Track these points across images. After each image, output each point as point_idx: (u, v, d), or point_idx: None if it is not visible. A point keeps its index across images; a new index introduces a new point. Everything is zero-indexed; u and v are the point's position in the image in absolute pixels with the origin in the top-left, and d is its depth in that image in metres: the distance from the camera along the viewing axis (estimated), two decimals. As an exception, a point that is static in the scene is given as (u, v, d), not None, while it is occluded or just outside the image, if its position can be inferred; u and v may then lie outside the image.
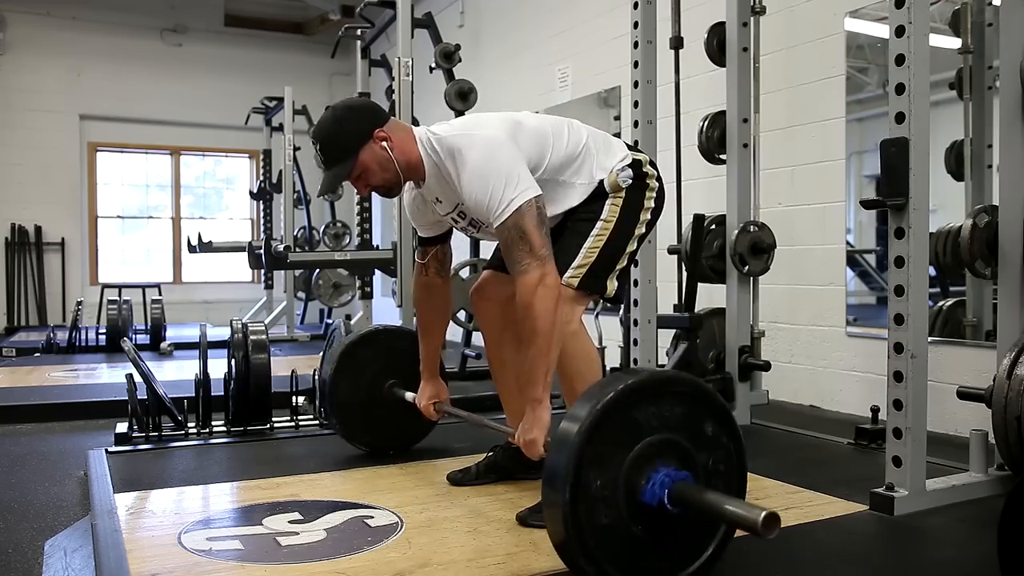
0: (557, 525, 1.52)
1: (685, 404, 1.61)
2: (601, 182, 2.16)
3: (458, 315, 5.10)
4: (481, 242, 5.28)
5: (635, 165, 2.19)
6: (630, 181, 2.17)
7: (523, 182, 1.99)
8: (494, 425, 2.30)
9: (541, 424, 1.97)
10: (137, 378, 3.08)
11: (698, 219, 3.44)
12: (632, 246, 2.18)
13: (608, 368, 4.19)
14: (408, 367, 2.65)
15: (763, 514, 1.38)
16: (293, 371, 3.49)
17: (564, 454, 1.51)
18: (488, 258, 2.61)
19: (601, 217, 2.14)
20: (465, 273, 5.09)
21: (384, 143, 2.09)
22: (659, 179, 2.25)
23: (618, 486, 1.54)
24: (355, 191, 2.28)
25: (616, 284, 2.16)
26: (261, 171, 8.80)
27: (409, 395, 2.64)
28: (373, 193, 2.22)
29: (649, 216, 2.21)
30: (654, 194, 2.23)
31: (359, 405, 2.79)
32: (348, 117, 2.13)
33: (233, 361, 3.22)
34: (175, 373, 5.03)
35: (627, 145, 2.31)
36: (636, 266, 3.14)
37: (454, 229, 2.34)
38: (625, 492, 1.54)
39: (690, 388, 1.63)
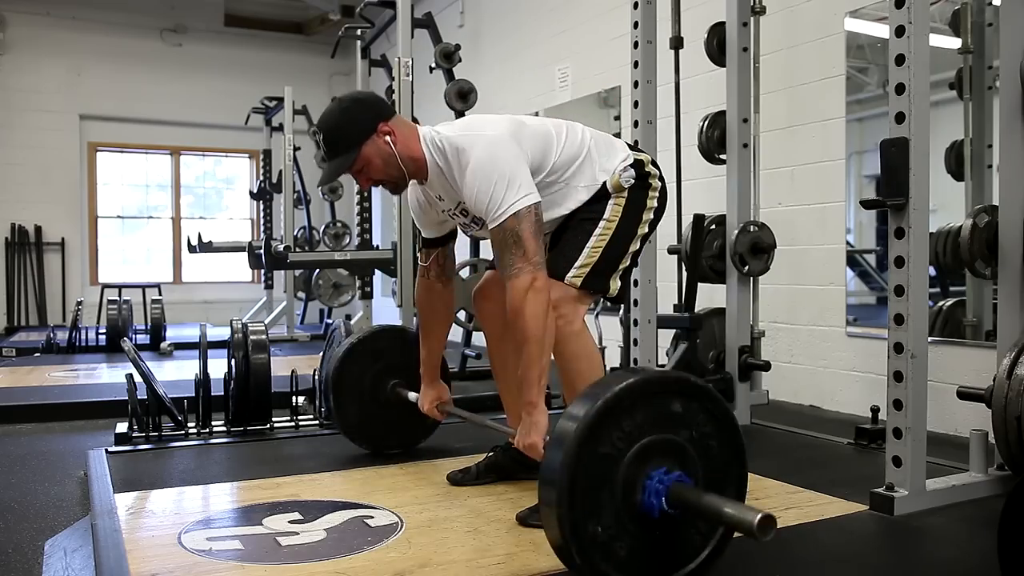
0: (553, 527, 1.52)
1: (684, 404, 1.60)
2: (604, 184, 2.16)
3: (458, 315, 5.10)
4: (481, 242, 5.28)
5: (637, 165, 2.19)
6: (633, 181, 2.17)
7: (524, 187, 1.99)
8: (496, 426, 2.30)
9: (538, 428, 1.97)
10: (137, 378, 3.08)
11: (698, 219, 3.44)
12: (635, 246, 2.18)
13: (608, 368, 4.19)
14: (412, 366, 2.65)
15: (759, 516, 1.38)
16: (293, 371, 3.49)
17: (560, 455, 1.51)
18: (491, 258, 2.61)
19: (604, 217, 2.14)
20: (465, 273, 5.08)
21: (388, 137, 2.09)
22: (661, 179, 2.26)
23: (615, 487, 1.53)
24: (355, 188, 2.28)
25: (619, 284, 2.16)
26: (261, 171, 8.80)
27: (412, 395, 2.64)
28: (374, 190, 2.22)
29: (652, 216, 2.22)
30: (656, 194, 2.23)
31: (363, 405, 2.79)
32: (353, 109, 2.12)
33: (233, 361, 3.22)
34: (175, 373, 5.03)
35: (629, 145, 2.31)
36: (636, 266, 3.14)
37: (458, 232, 2.34)
38: (622, 493, 1.54)
39: (690, 388, 1.62)
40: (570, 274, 2.09)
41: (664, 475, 1.55)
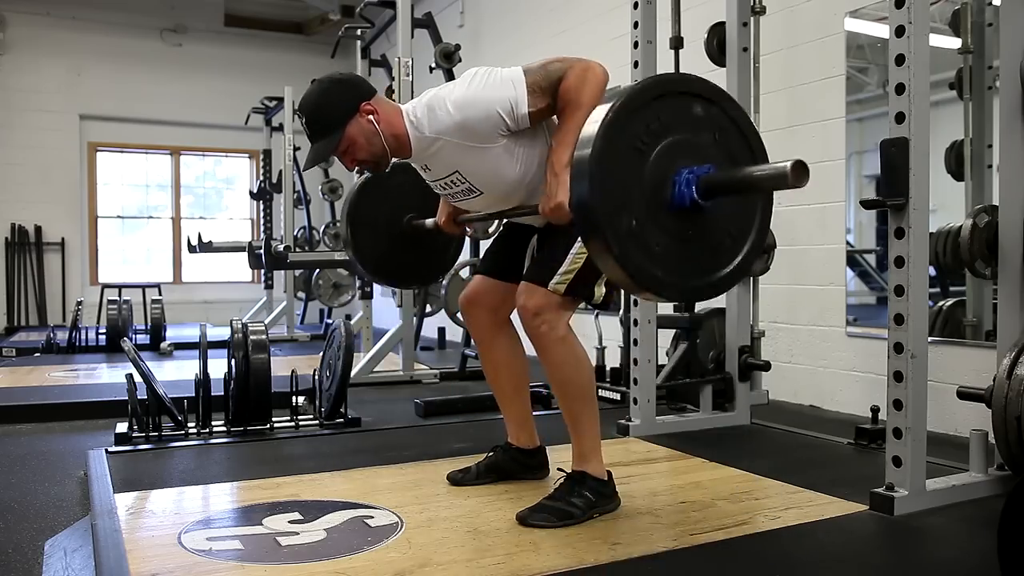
0: (589, 224, 1.54)
1: (705, 107, 1.62)
2: None
3: (458, 315, 5.10)
4: (481, 242, 5.28)
5: None
6: None
7: (517, 83, 2.00)
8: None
9: (566, 187, 1.90)
10: (137, 378, 3.08)
11: (698, 219, 3.43)
12: None
13: (608, 368, 4.20)
14: (427, 206, 2.59)
15: (789, 165, 1.41)
16: (293, 371, 3.49)
17: (588, 149, 1.52)
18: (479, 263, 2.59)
19: None
20: (465, 273, 5.09)
21: (371, 116, 2.08)
22: None
23: (645, 172, 1.56)
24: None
25: (604, 290, 2.13)
26: (261, 171, 8.80)
27: (429, 222, 2.57)
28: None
29: None
30: None
31: (380, 238, 2.69)
32: (334, 90, 2.12)
33: (233, 361, 3.22)
34: (175, 373, 5.03)
35: None
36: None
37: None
38: (652, 187, 1.56)
39: (678, 84, 1.66)
40: (554, 280, 2.07)
41: (691, 172, 1.57)
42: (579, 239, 2.10)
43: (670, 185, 1.56)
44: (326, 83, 2.14)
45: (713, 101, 1.64)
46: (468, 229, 2.54)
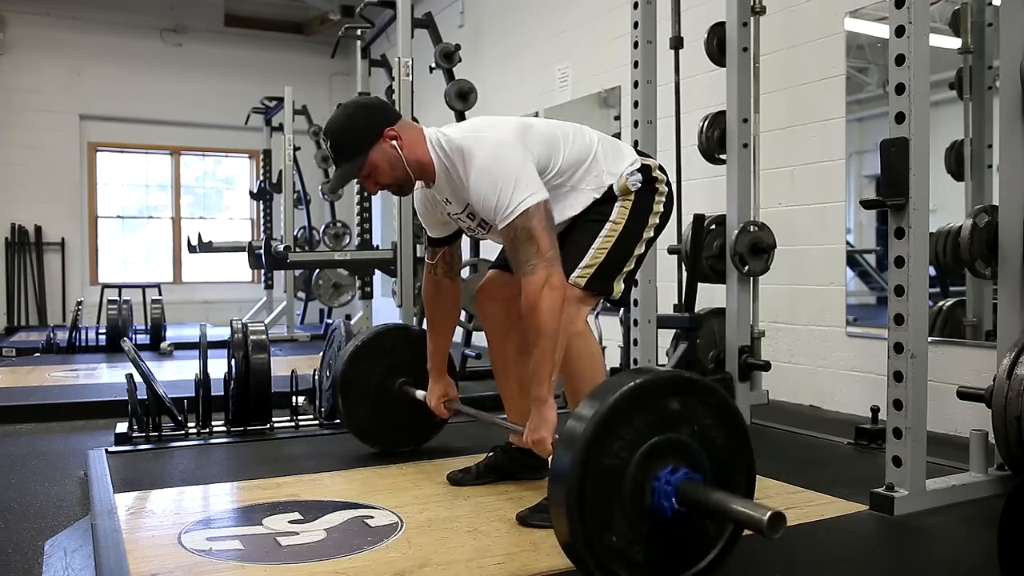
0: (563, 525, 1.52)
1: (691, 403, 1.61)
2: (611, 187, 2.15)
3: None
4: (482, 242, 5.27)
5: (644, 170, 2.19)
6: (640, 185, 2.16)
7: (531, 185, 1.99)
8: (504, 424, 2.31)
9: (548, 424, 1.97)
10: (137, 378, 3.08)
11: (698, 219, 3.43)
12: (640, 249, 2.17)
13: (608, 368, 4.19)
14: (418, 366, 2.65)
15: (768, 514, 1.38)
16: (293, 371, 3.49)
17: (570, 455, 1.51)
18: (493, 259, 2.60)
19: (610, 219, 2.14)
20: (465, 273, 5.08)
21: (394, 142, 2.09)
22: (668, 184, 2.25)
23: (625, 486, 1.54)
24: (356, 188, 2.28)
25: (623, 286, 2.14)
26: (261, 171, 8.80)
27: (420, 393, 2.64)
28: (382, 192, 2.22)
29: (658, 220, 2.21)
30: (663, 199, 2.22)
31: (371, 405, 2.79)
32: (360, 115, 2.13)
33: (233, 361, 3.22)
34: (175, 373, 5.03)
35: (637, 151, 2.31)
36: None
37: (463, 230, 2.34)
38: (632, 492, 1.54)
39: (696, 387, 1.62)
40: (574, 274, 2.08)
41: (671, 474, 1.55)
42: (600, 235, 2.12)
43: (650, 494, 1.55)
44: (352, 108, 2.16)
45: (690, 393, 1.60)
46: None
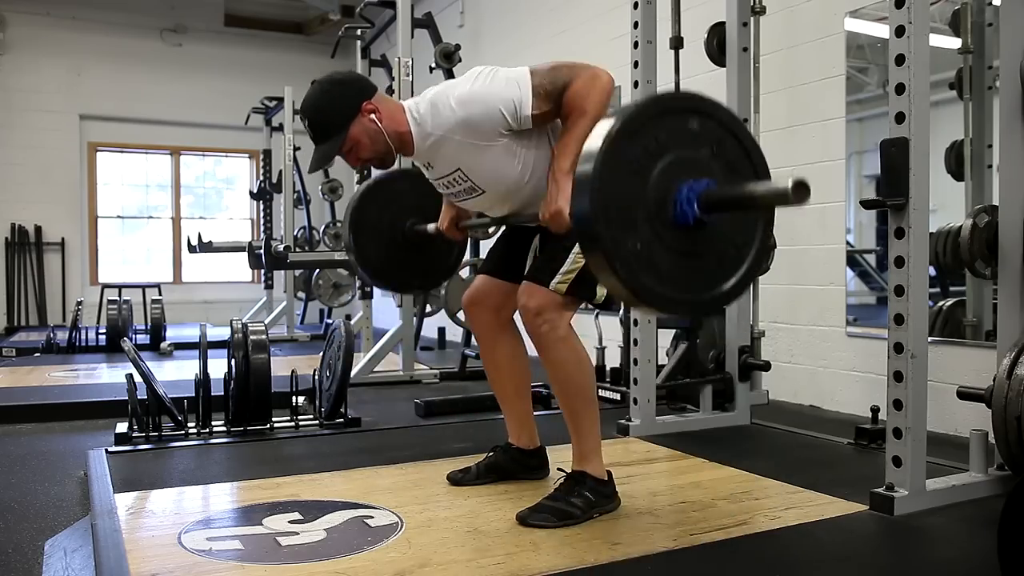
0: (594, 250, 1.53)
1: (682, 118, 1.61)
2: None
3: (458, 315, 5.10)
4: (481, 242, 5.28)
5: None
6: None
7: (512, 70, 2.01)
8: None
9: (566, 194, 1.92)
10: (137, 378, 3.08)
11: (698, 219, 3.43)
12: None
13: (608, 368, 4.20)
14: (426, 207, 2.58)
15: (791, 183, 1.39)
16: (293, 371, 3.49)
17: (593, 159, 1.51)
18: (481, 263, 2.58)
19: None
20: (465, 273, 5.08)
21: (373, 115, 2.09)
22: None
23: (648, 202, 1.54)
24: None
25: (606, 290, 2.12)
26: (261, 171, 8.80)
27: (431, 226, 2.56)
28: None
29: None
30: None
31: (384, 244, 2.68)
32: (335, 91, 2.12)
33: (233, 361, 3.22)
34: (175, 373, 5.03)
35: None
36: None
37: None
38: (655, 200, 1.55)
39: (681, 102, 1.65)
40: (555, 280, 2.07)
41: (691, 187, 1.56)
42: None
43: (672, 204, 1.55)
44: (326, 84, 2.14)
45: (708, 114, 1.62)
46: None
